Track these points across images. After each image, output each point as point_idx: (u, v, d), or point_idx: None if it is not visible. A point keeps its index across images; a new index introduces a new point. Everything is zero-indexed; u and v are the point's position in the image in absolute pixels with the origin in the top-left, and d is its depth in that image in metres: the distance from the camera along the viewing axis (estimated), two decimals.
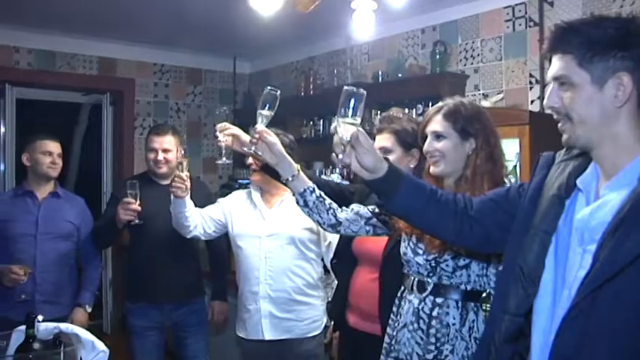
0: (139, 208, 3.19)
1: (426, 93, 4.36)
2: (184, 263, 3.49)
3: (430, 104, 4.19)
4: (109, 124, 6.22)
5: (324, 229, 2.24)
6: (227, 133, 2.33)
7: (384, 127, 2.52)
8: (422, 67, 4.79)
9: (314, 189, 2.13)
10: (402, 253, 2.15)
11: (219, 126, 2.35)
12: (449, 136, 2.03)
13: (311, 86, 5.75)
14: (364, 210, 2.22)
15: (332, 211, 2.17)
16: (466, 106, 2.06)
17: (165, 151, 3.43)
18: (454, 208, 1.68)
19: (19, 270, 3.18)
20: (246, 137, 2.34)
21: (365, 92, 1.69)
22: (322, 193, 2.17)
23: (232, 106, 6.69)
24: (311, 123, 5.69)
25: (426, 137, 2.09)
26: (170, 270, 3.43)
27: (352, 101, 1.66)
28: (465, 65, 4.59)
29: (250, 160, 2.91)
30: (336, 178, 1.70)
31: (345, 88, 1.70)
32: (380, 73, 5.03)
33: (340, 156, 1.63)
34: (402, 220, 1.90)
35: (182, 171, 2.96)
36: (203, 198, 3.30)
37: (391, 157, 2.45)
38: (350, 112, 1.64)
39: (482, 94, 4.42)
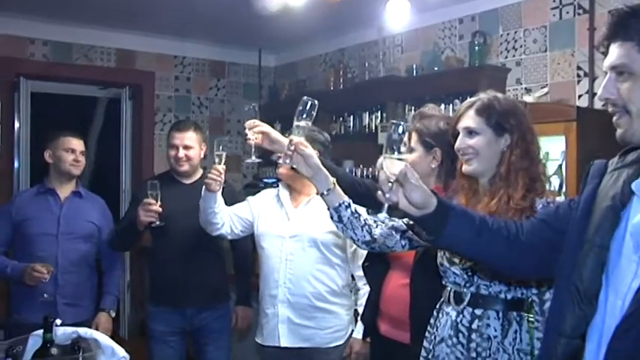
0: (160, 209, 3.24)
1: (464, 88, 4.31)
2: (209, 265, 3.53)
3: (467, 99, 4.17)
4: (127, 119, 6.27)
5: (359, 246, 2.25)
6: (256, 130, 2.36)
7: (413, 124, 2.54)
8: (459, 59, 4.76)
9: (349, 204, 2.14)
10: (438, 263, 2.16)
11: (248, 123, 2.38)
12: (482, 132, 2.04)
13: (341, 80, 5.74)
14: (399, 223, 2.22)
15: (367, 227, 2.18)
16: (500, 101, 2.06)
17: (186, 147, 3.47)
18: (506, 235, 1.68)
19: (42, 268, 3.24)
20: (276, 135, 2.37)
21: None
22: (357, 208, 2.17)
23: (257, 101, 6.71)
24: (340, 119, 5.68)
25: (458, 134, 2.10)
26: (193, 273, 3.46)
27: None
28: (506, 58, 4.54)
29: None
30: (382, 217, 1.72)
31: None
32: (414, 66, 5.01)
33: (387, 194, 1.65)
34: (452, 252, 1.95)
35: (219, 163, 3.00)
36: (229, 197, 3.32)
37: (412, 157, 2.47)
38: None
39: (525, 88, 4.38)
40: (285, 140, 2.38)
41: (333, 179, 2.14)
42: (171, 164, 3.55)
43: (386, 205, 1.67)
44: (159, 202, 3.23)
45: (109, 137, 6.76)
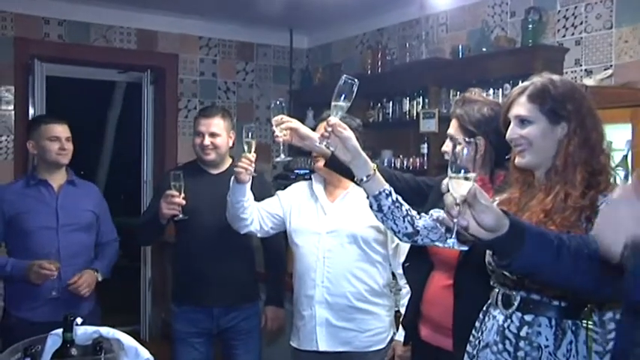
0: (184, 202, 3.27)
1: (516, 71, 4.29)
2: (237, 262, 3.56)
3: (519, 83, 4.13)
4: (149, 105, 6.34)
5: (399, 239, 2.28)
6: (284, 127, 2.38)
7: (453, 110, 2.55)
8: (511, 39, 4.72)
9: (390, 192, 2.15)
10: (486, 262, 2.12)
11: (275, 119, 2.40)
12: (536, 121, 2.00)
13: (379, 63, 5.74)
14: (444, 215, 2.22)
15: (409, 218, 2.19)
16: (556, 84, 2.02)
17: (212, 135, 3.49)
18: (587, 253, 1.66)
19: (50, 265, 3.28)
20: (306, 130, 2.38)
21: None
22: (399, 197, 2.19)
23: (289, 85, 6.74)
24: (379, 105, 5.69)
25: (508, 123, 2.08)
26: (221, 270, 3.49)
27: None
28: (564, 36, 4.48)
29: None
30: (451, 243, 1.74)
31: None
32: (460, 47, 4.99)
33: (456, 218, 1.65)
34: (528, 278, 1.90)
35: (249, 151, 3.00)
36: (260, 189, 3.35)
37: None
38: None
39: (585, 70, 4.32)
40: (315, 135, 2.40)
41: (373, 164, 2.16)
42: (196, 153, 3.58)
43: (455, 230, 1.68)
44: (182, 194, 3.25)
45: (129, 125, 6.86)
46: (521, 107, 2.03)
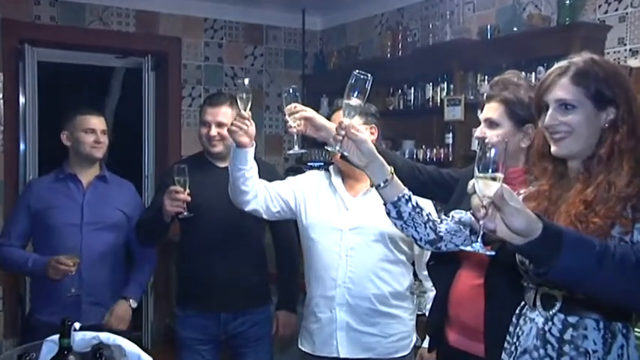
0: (188, 198, 3.25)
1: (551, 52, 4.26)
2: (246, 263, 3.56)
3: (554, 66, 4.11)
4: (150, 93, 6.34)
5: (421, 247, 2.28)
6: (298, 116, 2.37)
7: (494, 93, 2.51)
8: (545, 17, 4.70)
9: (410, 197, 2.16)
10: (518, 261, 2.09)
11: (287, 108, 2.39)
12: (580, 106, 1.96)
13: (399, 45, 5.74)
14: (467, 216, 2.21)
15: (431, 224, 2.20)
16: (601, 65, 1.99)
17: (220, 125, 3.47)
18: (635, 262, 1.66)
19: (68, 260, 3.33)
20: (321, 120, 2.38)
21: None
22: (419, 202, 2.20)
23: (301, 71, 6.74)
24: (399, 92, 5.68)
25: (543, 108, 2.04)
26: (229, 271, 3.50)
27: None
28: (605, 13, 4.45)
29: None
30: (477, 247, 1.74)
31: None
32: (488, 27, 4.97)
33: (482, 221, 1.64)
34: (568, 289, 1.89)
35: (244, 109, 2.92)
36: (266, 174, 3.29)
37: (497, 132, 2.46)
38: None
39: (630, 50, 4.29)
40: (331, 125, 2.40)
41: (390, 168, 2.16)
42: (203, 144, 3.58)
43: (481, 233, 1.69)
44: (187, 190, 3.25)
45: (129, 114, 6.85)
46: (563, 90, 1.98)
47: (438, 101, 5.28)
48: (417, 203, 2.17)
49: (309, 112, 2.37)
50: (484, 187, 1.66)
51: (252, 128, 2.89)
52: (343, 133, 2.11)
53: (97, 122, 3.62)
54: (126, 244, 3.71)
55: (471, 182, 1.70)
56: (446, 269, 2.67)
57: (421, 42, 5.64)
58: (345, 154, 2.14)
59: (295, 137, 2.43)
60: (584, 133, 1.97)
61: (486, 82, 4.70)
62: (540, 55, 4.43)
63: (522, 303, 2.13)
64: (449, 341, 2.63)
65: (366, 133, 2.17)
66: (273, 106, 6.63)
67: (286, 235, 3.58)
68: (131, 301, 3.61)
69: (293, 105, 2.40)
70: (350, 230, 3.08)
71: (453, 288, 2.62)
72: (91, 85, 7.17)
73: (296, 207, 3.20)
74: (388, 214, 2.18)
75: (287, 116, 2.39)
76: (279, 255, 3.76)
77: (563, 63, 2.02)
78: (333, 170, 3.23)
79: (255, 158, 3.02)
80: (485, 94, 2.57)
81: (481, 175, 1.69)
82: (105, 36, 5.94)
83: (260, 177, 3.07)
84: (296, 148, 2.46)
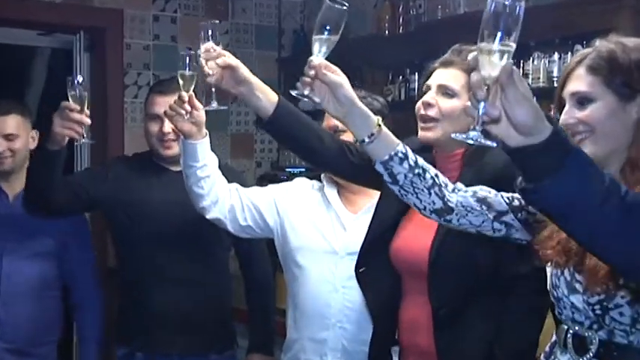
0: (88, 120, 3.18)
1: (591, 26, 4.18)
2: (207, 294, 3.54)
3: (596, 44, 4.09)
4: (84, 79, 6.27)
5: (427, 216, 2.25)
6: (219, 62, 2.36)
7: (452, 59, 2.64)
8: None
9: (406, 154, 2.14)
10: (550, 285, 2.15)
11: (204, 46, 2.38)
12: (599, 98, 2.00)
13: (400, 20, 5.71)
14: (497, 198, 2.22)
15: (437, 189, 2.17)
16: (628, 49, 2.02)
17: None
18: None
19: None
20: (246, 73, 2.39)
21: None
22: (421, 161, 2.18)
23: (277, 52, 6.75)
24: (400, 78, 5.66)
25: (564, 104, 2.08)
26: (183, 304, 3.47)
27: None
28: None
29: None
30: (474, 136, 1.67)
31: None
32: None
33: (482, 104, 1.62)
34: (555, 221, 1.85)
35: (186, 90, 2.93)
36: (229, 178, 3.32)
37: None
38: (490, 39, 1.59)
39: None
40: (257, 82, 2.43)
41: (377, 118, 2.15)
42: (151, 144, 3.56)
43: (480, 121, 1.65)
44: (87, 110, 3.17)
45: (56, 106, 6.79)
46: (579, 81, 2.04)
47: None
48: (416, 162, 2.15)
49: (232, 60, 2.36)
50: (488, 63, 1.61)
51: (198, 113, 2.91)
52: (313, 73, 2.07)
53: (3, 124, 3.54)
54: (61, 277, 3.66)
55: (472, 54, 1.66)
56: (384, 278, 2.71)
57: (427, 16, 5.60)
58: (316, 100, 2.12)
59: (209, 89, 2.44)
60: (608, 131, 2.00)
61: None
62: (578, 30, 4.39)
63: (553, 339, 2.17)
64: None
65: (344, 77, 2.13)
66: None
67: (258, 261, 3.58)
68: None
69: (210, 44, 2.39)
70: (348, 255, 3.04)
71: (404, 308, 2.68)
72: (6, 69, 7.10)
73: (275, 224, 3.19)
74: (381, 177, 2.17)
75: (201, 58, 2.37)
76: (250, 285, 3.74)
77: (585, 50, 2.09)
78: (325, 179, 3.21)
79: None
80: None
81: (485, 45, 1.62)
82: (25, 8, 5.83)
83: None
84: (214, 104, 2.46)
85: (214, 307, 3.58)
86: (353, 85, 2.16)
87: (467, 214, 2.22)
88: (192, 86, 2.91)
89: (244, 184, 3.53)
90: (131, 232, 3.33)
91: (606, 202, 1.63)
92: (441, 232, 2.50)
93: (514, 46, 1.61)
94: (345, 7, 2.11)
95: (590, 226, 1.67)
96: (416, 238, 2.60)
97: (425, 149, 2.60)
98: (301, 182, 3.34)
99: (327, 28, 2.10)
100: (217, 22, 2.56)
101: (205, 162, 2.99)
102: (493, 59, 1.60)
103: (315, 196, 3.22)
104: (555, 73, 4.41)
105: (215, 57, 2.36)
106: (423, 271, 2.52)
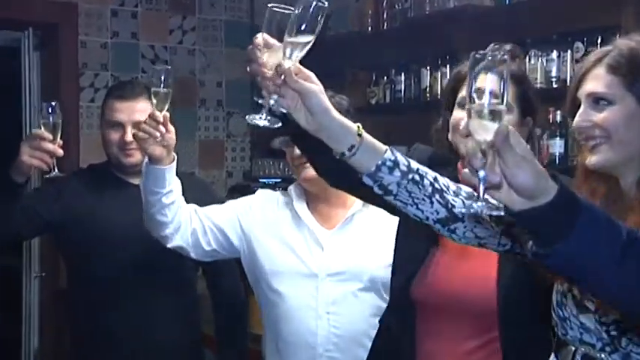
0: (60, 151, 3.16)
1: (592, 22, 4.30)
2: (171, 319, 3.53)
3: (598, 41, 4.17)
4: (32, 82, 6.23)
5: (431, 226, 2.15)
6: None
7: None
8: None
9: (396, 161, 2.00)
10: (554, 303, 2.16)
11: (260, 39, 2.00)
12: (617, 101, 2.02)
13: (384, 15, 5.75)
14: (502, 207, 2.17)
15: (439, 196, 2.08)
16: None
17: (137, 126, 3.36)
18: None
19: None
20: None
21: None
22: (414, 164, 2.05)
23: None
24: (385, 80, 5.70)
25: (579, 106, 2.09)
26: (145, 330, 3.46)
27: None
28: None
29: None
30: (478, 208, 1.65)
31: None
32: None
33: (481, 172, 1.62)
34: (575, 284, 1.93)
35: (160, 109, 2.90)
36: (195, 196, 3.32)
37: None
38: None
39: None
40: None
41: (356, 126, 2.01)
42: (110, 154, 3.56)
43: (482, 189, 1.65)
44: (59, 140, 3.16)
45: (1, 111, 6.84)
46: (597, 82, 2.05)
47: (438, 91, 5.25)
48: (408, 167, 2.02)
49: (314, 84, 2.01)
50: (480, 127, 1.63)
51: (170, 136, 2.88)
52: (280, 80, 1.94)
53: None
54: None
55: (463, 121, 1.68)
56: (408, 317, 2.66)
57: (414, 11, 5.58)
58: (283, 110, 1.99)
59: (270, 100, 2.00)
60: (626, 138, 2.02)
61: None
62: (578, 26, 4.44)
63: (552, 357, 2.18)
64: None
65: (318, 84, 2.01)
66: (210, 100, 6.64)
67: (227, 280, 3.61)
68: None
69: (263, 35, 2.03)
70: (328, 277, 3.07)
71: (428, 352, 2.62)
72: None
73: (241, 243, 3.20)
74: (371, 189, 2.03)
75: (258, 52, 1.98)
76: (219, 308, 3.74)
77: (605, 48, 2.10)
78: (294, 192, 3.20)
79: (179, 174, 3.01)
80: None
81: (477, 107, 1.64)
82: None
83: (188, 200, 3.06)
84: (262, 118, 2.03)
85: (181, 332, 3.58)
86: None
87: (475, 227, 2.15)
88: (167, 105, 2.89)
89: (213, 198, 3.60)
90: (88, 255, 3.32)
91: (626, 257, 1.64)
92: (502, 259, 2.46)
93: (504, 109, 1.65)
94: (325, 4, 1.98)
95: (612, 285, 1.69)
96: (470, 269, 2.56)
97: (444, 162, 2.57)
98: (265, 196, 3.35)
99: (303, 25, 1.96)
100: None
101: (171, 187, 2.99)
102: (485, 123, 1.62)
103: (284, 214, 3.22)
104: (554, 73, 4.46)
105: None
106: (487, 309, 2.47)
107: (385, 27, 5.73)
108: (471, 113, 1.64)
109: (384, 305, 2.99)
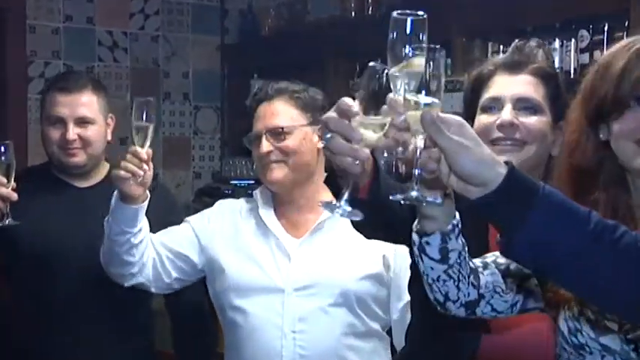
0: (15, 195, 3.13)
1: (598, 9, 4.35)
2: (121, 336, 3.52)
3: (605, 29, 4.23)
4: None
5: (452, 311, 2.11)
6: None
7: (521, 61, 2.60)
8: None
9: (458, 225, 1.97)
10: (565, 332, 2.14)
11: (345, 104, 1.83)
12: None
13: (369, 0, 5.74)
14: (513, 265, 2.16)
15: (474, 276, 2.08)
16: None
17: (81, 123, 3.46)
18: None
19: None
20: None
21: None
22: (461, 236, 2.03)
23: (219, 37, 6.81)
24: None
25: (625, 104, 2.04)
26: (92, 350, 3.44)
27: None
28: None
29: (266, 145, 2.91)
30: (415, 196, 1.58)
31: None
32: None
33: (418, 159, 1.66)
34: (545, 277, 1.95)
35: (141, 145, 2.91)
36: (162, 214, 3.35)
37: (536, 119, 2.50)
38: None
39: None
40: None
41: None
42: (51, 153, 3.55)
43: (417, 179, 1.68)
44: (12, 182, 3.14)
45: None
46: None
47: None
48: (460, 237, 2.00)
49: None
50: (412, 117, 1.68)
51: (150, 174, 2.91)
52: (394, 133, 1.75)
53: None
54: None
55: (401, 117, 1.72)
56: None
57: None
58: (438, 201, 1.79)
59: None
60: None
61: (502, 53, 4.70)
62: (583, 12, 4.46)
63: None
64: None
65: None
66: (176, 92, 6.66)
67: (188, 296, 3.55)
68: None
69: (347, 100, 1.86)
70: (295, 291, 3.09)
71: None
72: None
73: (202, 262, 3.21)
74: (422, 251, 1.96)
75: (355, 122, 1.79)
76: (178, 323, 3.76)
77: (634, 38, 2.06)
78: (260, 196, 3.21)
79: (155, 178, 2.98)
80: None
81: (409, 95, 1.70)
82: None
83: (147, 213, 3.05)
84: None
85: (134, 352, 3.59)
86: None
87: (492, 297, 2.15)
88: (149, 141, 2.91)
89: (173, 209, 3.70)
90: (28, 267, 3.26)
91: (599, 241, 1.68)
92: None
93: (438, 102, 1.71)
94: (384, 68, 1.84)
95: (585, 274, 1.72)
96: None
97: None
98: (225, 205, 3.38)
99: (375, 86, 1.84)
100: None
101: (141, 225, 3.04)
102: (410, 112, 1.70)
103: (248, 223, 3.24)
104: (557, 64, 4.41)
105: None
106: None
107: (370, 12, 5.73)
108: (398, 98, 1.72)
109: (357, 322, 3.08)
